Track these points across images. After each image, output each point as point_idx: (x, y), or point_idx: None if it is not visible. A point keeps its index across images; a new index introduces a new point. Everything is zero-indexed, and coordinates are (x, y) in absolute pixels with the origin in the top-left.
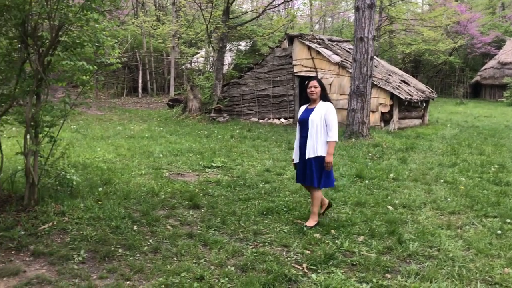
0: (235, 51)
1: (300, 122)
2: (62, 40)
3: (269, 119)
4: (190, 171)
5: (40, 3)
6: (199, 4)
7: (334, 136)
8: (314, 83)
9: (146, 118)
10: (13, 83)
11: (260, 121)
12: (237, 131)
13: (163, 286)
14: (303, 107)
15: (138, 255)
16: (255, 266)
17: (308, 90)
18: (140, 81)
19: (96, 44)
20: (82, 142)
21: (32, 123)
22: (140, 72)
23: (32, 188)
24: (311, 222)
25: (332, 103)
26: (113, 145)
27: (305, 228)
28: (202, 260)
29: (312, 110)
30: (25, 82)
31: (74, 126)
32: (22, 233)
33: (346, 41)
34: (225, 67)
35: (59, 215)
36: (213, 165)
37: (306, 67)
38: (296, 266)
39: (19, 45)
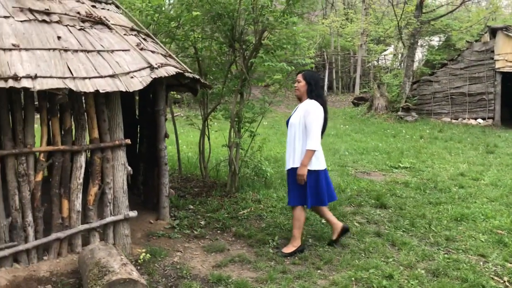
0: (426, 47)
1: (287, 125)
2: (264, 43)
3: (464, 119)
4: (376, 170)
5: (247, 10)
6: (390, 0)
7: (311, 143)
8: (298, 77)
9: (332, 116)
10: (221, 83)
11: (453, 121)
12: (427, 131)
13: (353, 279)
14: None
15: (326, 247)
16: (448, 273)
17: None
18: (326, 80)
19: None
20: (273, 138)
21: (236, 119)
22: (327, 71)
23: (234, 177)
24: (288, 248)
25: (321, 100)
26: None
27: (279, 254)
28: (391, 259)
29: (296, 111)
30: (231, 82)
31: (266, 123)
32: (226, 215)
33: None
34: (415, 64)
35: (255, 202)
36: (400, 165)
37: (511, 62)
38: (496, 278)
39: (227, 49)
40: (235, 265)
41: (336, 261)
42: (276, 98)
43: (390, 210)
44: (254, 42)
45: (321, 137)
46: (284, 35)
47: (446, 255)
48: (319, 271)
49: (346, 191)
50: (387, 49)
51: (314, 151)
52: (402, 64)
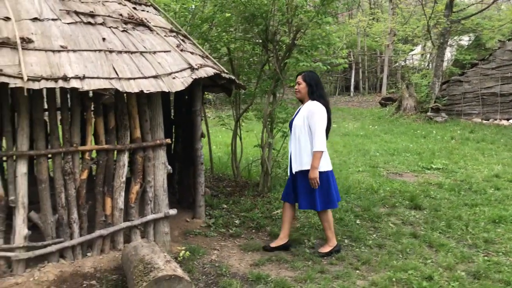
0: (455, 46)
1: (289, 127)
2: (297, 44)
3: (495, 120)
4: (408, 171)
5: (281, 11)
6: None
7: (318, 144)
8: (298, 78)
9: (359, 117)
10: (253, 84)
11: (484, 121)
12: (458, 131)
13: (394, 279)
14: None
15: (363, 247)
16: (489, 275)
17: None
18: (352, 80)
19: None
20: None
21: (268, 119)
22: (353, 71)
23: (266, 177)
24: (325, 248)
25: (323, 101)
26: (329, 142)
27: (316, 254)
28: (429, 261)
29: (298, 112)
30: (264, 82)
31: None
32: (260, 215)
33: None
34: (444, 64)
35: None
36: (432, 166)
37: None
38: None
39: (260, 50)
40: (272, 264)
41: (374, 261)
42: None
43: (425, 212)
44: (288, 42)
45: (326, 138)
46: (318, 35)
47: (486, 258)
48: (357, 271)
49: (379, 192)
50: (415, 49)
51: (322, 152)
52: (430, 64)
